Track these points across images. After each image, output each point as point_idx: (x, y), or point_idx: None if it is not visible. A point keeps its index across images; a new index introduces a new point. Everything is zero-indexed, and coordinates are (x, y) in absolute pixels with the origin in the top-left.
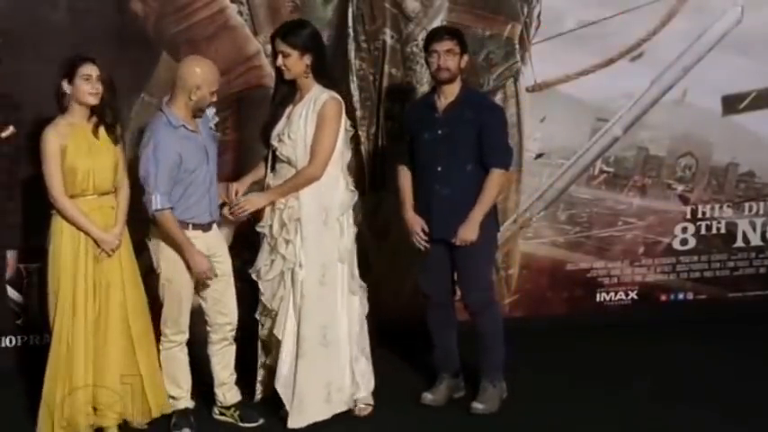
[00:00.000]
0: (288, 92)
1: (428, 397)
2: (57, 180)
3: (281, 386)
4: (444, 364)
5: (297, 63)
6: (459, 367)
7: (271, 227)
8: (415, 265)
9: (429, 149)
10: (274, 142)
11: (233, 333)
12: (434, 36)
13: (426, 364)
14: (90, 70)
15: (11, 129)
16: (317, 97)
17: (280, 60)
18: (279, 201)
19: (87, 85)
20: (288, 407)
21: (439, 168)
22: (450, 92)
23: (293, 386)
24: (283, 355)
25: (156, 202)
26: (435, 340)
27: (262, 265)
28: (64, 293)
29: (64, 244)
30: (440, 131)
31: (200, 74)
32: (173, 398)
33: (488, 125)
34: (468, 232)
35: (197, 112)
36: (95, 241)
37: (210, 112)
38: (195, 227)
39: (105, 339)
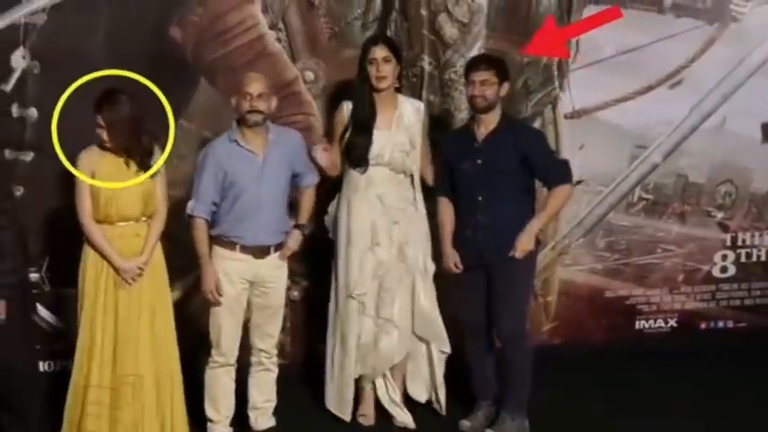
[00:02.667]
0: (372, 103)
1: (466, 424)
2: (85, 204)
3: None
4: (482, 391)
5: (394, 70)
6: (497, 394)
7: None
8: (448, 290)
9: (469, 179)
10: (385, 155)
11: (271, 361)
12: (472, 66)
13: (463, 390)
14: (101, 119)
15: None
16: (411, 104)
17: (383, 67)
18: (395, 211)
19: (100, 131)
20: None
21: (480, 198)
22: (490, 121)
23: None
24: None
25: (190, 206)
26: (473, 367)
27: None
28: (84, 319)
29: (89, 268)
30: (479, 161)
31: (254, 83)
32: (210, 420)
33: (532, 148)
34: (526, 242)
35: (250, 124)
36: (116, 269)
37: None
38: (244, 250)
39: (122, 368)
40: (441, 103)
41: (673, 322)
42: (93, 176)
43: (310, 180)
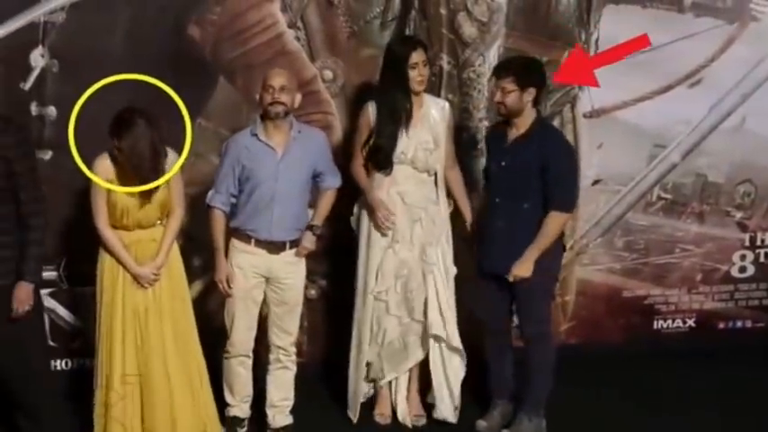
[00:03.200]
0: (408, 106)
1: (482, 424)
2: (100, 210)
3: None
4: (499, 390)
5: (428, 74)
6: (514, 394)
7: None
8: (466, 290)
9: (492, 180)
10: (408, 153)
11: (288, 359)
12: (494, 71)
13: (478, 389)
14: (119, 143)
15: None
16: (435, 103)
17: (424, 71)
18: (417, 210)
19: (117, 151)
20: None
21: (497, 200)
22: (521, 124)
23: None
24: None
25: (209, 196)
26: (491, 366)
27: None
28: (104, 321)
29: (106, 270)
30: (503, 163)
31: (277, 76)
32: (227, 404)
33: (552, 160)
34: (522, 269)
35: (272, 115)
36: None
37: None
38: (258, 244)
39: (147, 369)
40: (459, 103)
41: (691, 322)
42: (111, 183)
43: (332, 182)
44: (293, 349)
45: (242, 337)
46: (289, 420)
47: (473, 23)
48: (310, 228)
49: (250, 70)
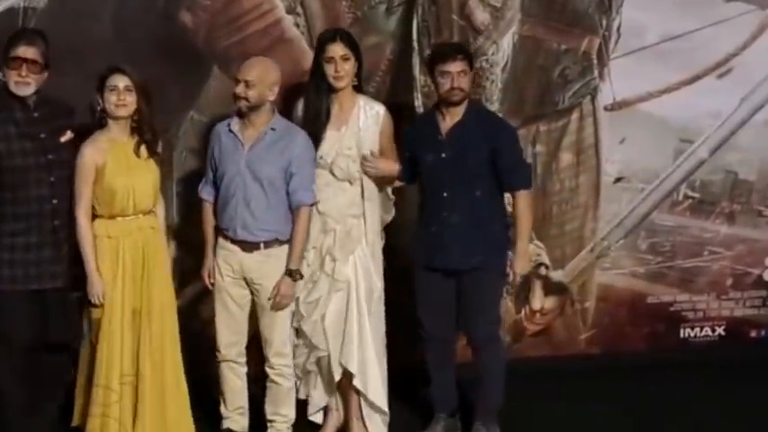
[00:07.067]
0: (328, 105)
1: None
2: (83, 198)
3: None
4: (441, 403)
5: (352, 69)
6: (457, 407)
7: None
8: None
9: (433, 174)
10: (328, 158)
11: (275, 372)
12: (446, 56)
13: (420, 403)
14: (116, 81)
15: (69, 134)
16: (370, 107)
17: (340, 66)
18: (331, 221)
19: (113, 96)
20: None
21: (445, 194)
22: (457, 112)
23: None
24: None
25: (199, 187)
26: (433, 377)
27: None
28: (103, 318)
29: (104, 267)
30: (444, 154)
31: (245, 69)
32: (222, 416)
33: (502, 145)
34: (522, 265)
35: (237, 109)
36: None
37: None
38: (234, 242)
39: (144, 369)
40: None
41: (720, 330)
42: (102, 170)
43: (300, 196)
44: (277, 361)
45: (226, 339)
46: None
47: (485, 9)
48: (289, 273)
49: (246, 59)
